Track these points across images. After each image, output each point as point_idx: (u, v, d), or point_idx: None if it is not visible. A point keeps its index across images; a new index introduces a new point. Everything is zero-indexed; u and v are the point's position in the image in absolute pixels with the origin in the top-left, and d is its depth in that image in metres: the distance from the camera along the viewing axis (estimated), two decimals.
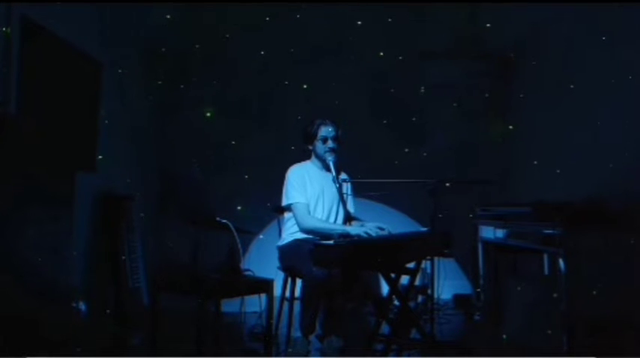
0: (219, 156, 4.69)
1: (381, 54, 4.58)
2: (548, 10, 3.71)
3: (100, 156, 3.57)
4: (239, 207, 4.18)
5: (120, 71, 3.99)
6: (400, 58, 4.66)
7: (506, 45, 4.67)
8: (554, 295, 2.89)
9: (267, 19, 4.40)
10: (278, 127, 4.60)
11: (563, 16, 3.68)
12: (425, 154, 4.73)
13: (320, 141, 3.08)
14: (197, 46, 4.54)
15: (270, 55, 4.73)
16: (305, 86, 4.63)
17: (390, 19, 4.37)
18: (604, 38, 3.30)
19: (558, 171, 3.69)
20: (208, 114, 4.59)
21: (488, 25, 4.44)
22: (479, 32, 4.57)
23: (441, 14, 4.35)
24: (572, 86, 3.62)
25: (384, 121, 4.81)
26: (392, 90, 4.79)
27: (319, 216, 3.04)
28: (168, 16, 4.11)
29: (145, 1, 3.89)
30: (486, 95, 4.89)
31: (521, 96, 4.63)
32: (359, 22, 4.39)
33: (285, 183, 3.08)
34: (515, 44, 4.60)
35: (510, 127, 4.60)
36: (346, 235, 2.75)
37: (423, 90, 4.83)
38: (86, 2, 3.47)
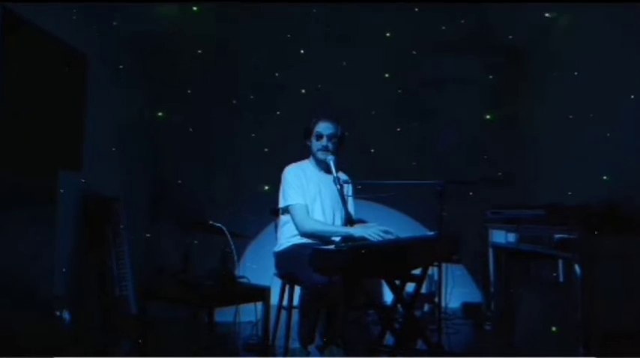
0: (213, 157, 4.67)
1: (389, 49, 4.56)
2: (563, 4, 3.70)
3: (86, 155, 3.55)
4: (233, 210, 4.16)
5: (110, 68, 3.98)
6: (408, 51, 4.65)
7: (520, 39, 4.66)
8: (570, 303, 2.87)
9: (268, 16, 4.38)
10: (275, 128, 4.58)
11: (578, 11, 3.68)
12: (433, 153, 4.73)
13: (315, 138, 3.07)
14: (192, 44, 4.52)
15: (269, 52, 4.71)
16: (305, 84, 4.60)
17: (397, 13, 4.35)
18: (622, 33, 3.29)
19: (574, 171, 3.67)
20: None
21: (501, 18, 4.42)
22: (491, 25, 4.55)
23: (452, 7, 4.33)
24: (589, 83, 3.61)
25: (389, 119, 4.80)
26: (399, 87, 4.78)
27: (318, 218, 3.02)
28: (160, 13, 4.12)
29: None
30: (498, 91, 4.88)
31: (535, 93, 4.62)
32: (366, 16, 4.37)
33: (282, 183, 3.06)
34: (529, 39, 4.59)
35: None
36: (349, 238, 2.73)
37: (431, 86, 4.82)
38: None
